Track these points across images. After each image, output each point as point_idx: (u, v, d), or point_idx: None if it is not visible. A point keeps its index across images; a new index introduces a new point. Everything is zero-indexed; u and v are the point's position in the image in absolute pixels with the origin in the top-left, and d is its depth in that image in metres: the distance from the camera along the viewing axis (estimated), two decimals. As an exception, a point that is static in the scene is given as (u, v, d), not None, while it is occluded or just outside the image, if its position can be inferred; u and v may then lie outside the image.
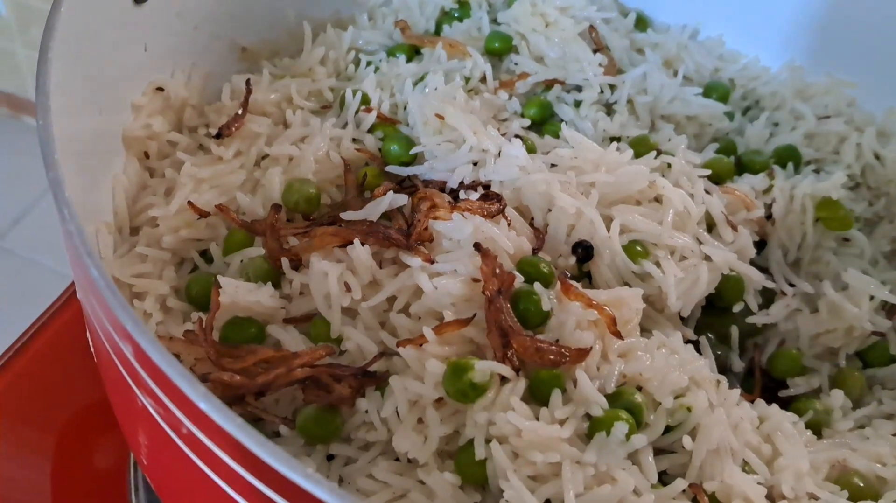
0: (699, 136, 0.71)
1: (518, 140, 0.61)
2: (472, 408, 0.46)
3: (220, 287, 0.51)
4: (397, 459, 0.48)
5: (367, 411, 0.48)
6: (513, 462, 0.44)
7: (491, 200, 0.54)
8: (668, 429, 0.48)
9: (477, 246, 0.51)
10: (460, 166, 0.59)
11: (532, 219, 0.56)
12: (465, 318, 0.48)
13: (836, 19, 0.76)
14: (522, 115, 0.67)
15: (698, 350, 0.57)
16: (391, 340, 0.50)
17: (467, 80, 0.68)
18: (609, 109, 0.69)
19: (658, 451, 0.48)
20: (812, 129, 0.73)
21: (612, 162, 0.58)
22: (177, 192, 0.57)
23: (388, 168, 0.62)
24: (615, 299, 0.51)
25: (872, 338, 0.61)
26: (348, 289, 0.52)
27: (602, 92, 0.68)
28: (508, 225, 0.54)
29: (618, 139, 0.66)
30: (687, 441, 0.48)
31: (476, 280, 0.50)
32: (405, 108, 0.66)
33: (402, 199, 0.56)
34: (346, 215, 0.55)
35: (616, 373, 0.48)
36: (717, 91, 0.74)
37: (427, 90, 0.66)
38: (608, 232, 0.54)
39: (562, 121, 0.68)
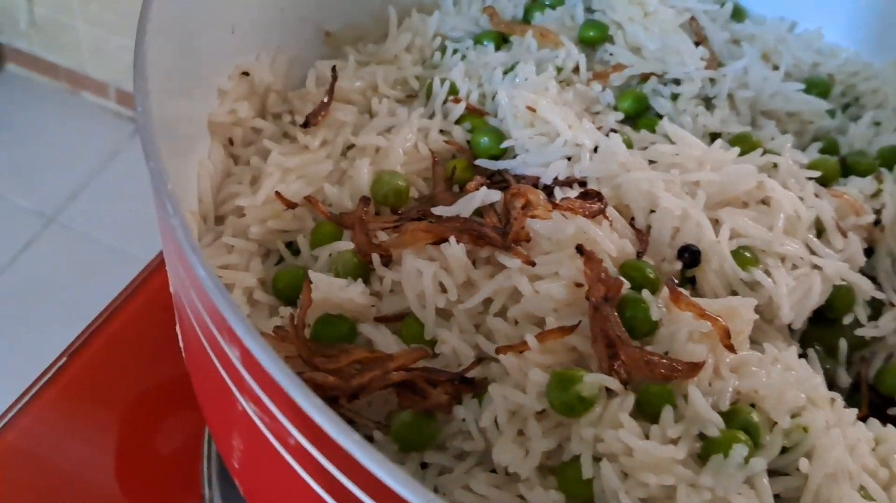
0: (800, 133, 0.67)
1: (616, 134, 0.58)
2: (578, 422, 0.43)
3: (312, 282, 0.49)
4: (493, 470, 0.45)
5: (463, 419, 0.45)
6: (623, 482, 0.42)
7: (592, 199, 0.51)
8: (782, 450, 0.46)
9: (579, 248, 0.48)
10: (554, 161, 0.57)
11: (633, 219, 0.53)
12: (569, 326, 0.46)
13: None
14: (616, 109, 0.64)
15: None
16: (487, 344, 0.48)
17: (559, 70, 0.65)
18: (708, 104, 0.66)
19: (772, 473, 0.45)
20: (920, 128, 0.69)
21: (717, 160, 0.55)
22: (263, 181, 0.55)
23: (478, 161, 0.60)
24: (727, 309, 0.48)
25: None
26: (443, 289, 0.49)
27: (702, 86, 0.65)
28: (610, 226, 0.51)
29: (717, 136, 0.63)
30: (803, 463, 0.45)
31: (579, 285, 0.48)
32: (493, 98, 0.64)
33: (496, 195, 0.53)
34: (438, 210, 0.53)
35: (730, 389, 0.45)
36: (816, 87, 0.71)
37: (517, 80, 0.63)
38: (716, 236, 0.51)
39: (657, 115, 0.64)
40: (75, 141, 1.95)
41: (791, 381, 0.47)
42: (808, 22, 0.78)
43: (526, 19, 0.71)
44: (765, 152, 0.60)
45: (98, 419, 0.70)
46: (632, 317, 0.47)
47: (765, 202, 0.55)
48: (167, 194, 0.37)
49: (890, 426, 0.51)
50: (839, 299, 0.56)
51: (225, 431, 0.44)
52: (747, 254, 0.52)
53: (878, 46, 0.76)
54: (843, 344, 0.57)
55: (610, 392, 0.45)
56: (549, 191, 0.56)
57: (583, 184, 0.56)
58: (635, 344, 0.46)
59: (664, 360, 0.45)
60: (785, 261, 0.53)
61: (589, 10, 0.70)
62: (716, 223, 0.53)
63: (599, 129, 0.60)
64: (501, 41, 0.69)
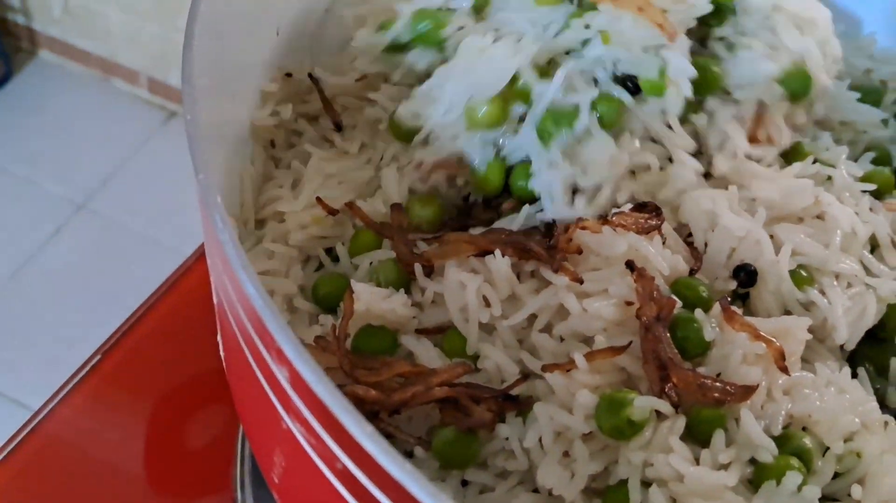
0: (853, 143, 0.65)
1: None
2: (626, 445, 0.42)
3: (354, 292, 0.48)
4: (535, 490, 0.45)
5: (507, 438, 0.45)
6: (673, 509, 0.41)
7: (648, 213, 0.50)
8: (835, 476, 0.45)
9: (630, 264, 0.47)
10: None
11: (689, 235, 0.52)
12: (619, 346, 0.45)
13: None
14: None
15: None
16: (532, 361, 0.47)
17: None
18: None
19: (823, 499, 0.44)
20: (974, 138, 0.66)
21: (772, 174, 0.54)
22: (304, 186, 0.55)
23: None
24: (781, 329, 0.46)
25: None
26: (487, 303, 0.48)
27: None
28: (664, 242, 0.50)
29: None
30: (856, 490, 0.44)
31: (629, 303, 0.47)
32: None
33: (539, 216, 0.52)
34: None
35: (783, 412, 0.44)
36: (869, 95, 0.69)
37: None
38: (776, 255, 0.50)
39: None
40: (106, 128, 1.96)
41: (845, 405, 0.45)
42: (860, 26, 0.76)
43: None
44: (815, 161, 0.58)
45: (133, 411, 0.71)
46: (684, 337, 0.45)
47: (819, 217, 0.54)
48: (217, 208, 0.37)
49: (944, 452, 0.49)
50: (892, 318, 0.55)
51: (266, 446, 0.44)
52: (803, 273, 0.50)
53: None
54: (894, 363, 0.55)
55: (660, 415, 0.44)
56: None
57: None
58: (687, 366, 0.45)
59: (717, 384, 0.44)
60: (840, 279, 0.51)
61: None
62: (771, 239, 0.51)
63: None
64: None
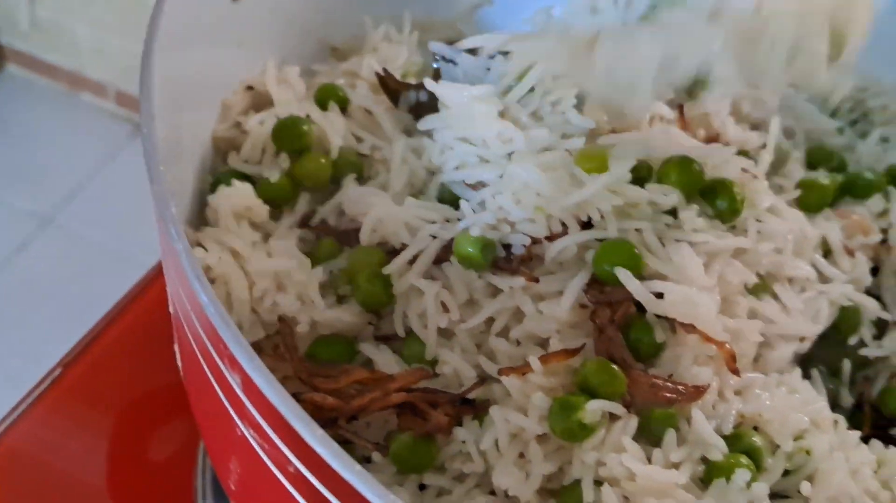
0: (808, 151, 0.67)
1: None
2: (580, 446, 0.43)
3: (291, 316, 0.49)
4: (492, 492, 0.45)
5: (464, 441, 0.45)
6: (625, 508, 0.41)
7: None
8: (785, 473, 0.46)
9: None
10: None
11: None
12: (573, 349, 0.46)
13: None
14: None
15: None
16: (489, 365, 0.47)
17: None
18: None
19: (773, 496, 0.45)
20: (927, 146, 0.68)
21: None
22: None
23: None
24: (733, 332, 0.47)
25: None
26: (445, 309, 0.49)
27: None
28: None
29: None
30: (805, 487, 0.45)
31: (584, 306, 0.47)
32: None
33: None
34: None
35: (733, 412, 0.45)
36: (824, 103, 0.70)
37: None
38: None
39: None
40: (74, 142, 1.95)
41: (795, 404, 0.47)
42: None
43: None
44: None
45: (95, 424, 0.71)
46: (637, 339, 0.46)
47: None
48: (171, 219, 0.37)
49: (892, 448, 0.50)
50: (845, 320, 0.56)
51: (223, 453, 0.44)
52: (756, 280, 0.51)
53: (887, 63, 0.76)
54: (846, 365, 0.57)
55: (613, 415, 0.44)
56: None
57: None
58: (639, 366, 0.45)
59: (668, 384, 0.45)
60: (793, 282, 0.53)
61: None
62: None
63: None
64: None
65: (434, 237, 0.51)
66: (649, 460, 0.43)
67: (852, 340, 0.57)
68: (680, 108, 0.59)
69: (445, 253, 0.50)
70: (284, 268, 0.50)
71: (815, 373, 0.54)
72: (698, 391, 0.45)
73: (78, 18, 1.84)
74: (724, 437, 0.44)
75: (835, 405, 0.56)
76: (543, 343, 0.47)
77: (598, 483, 0.42)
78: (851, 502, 0.45)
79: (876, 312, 0.57)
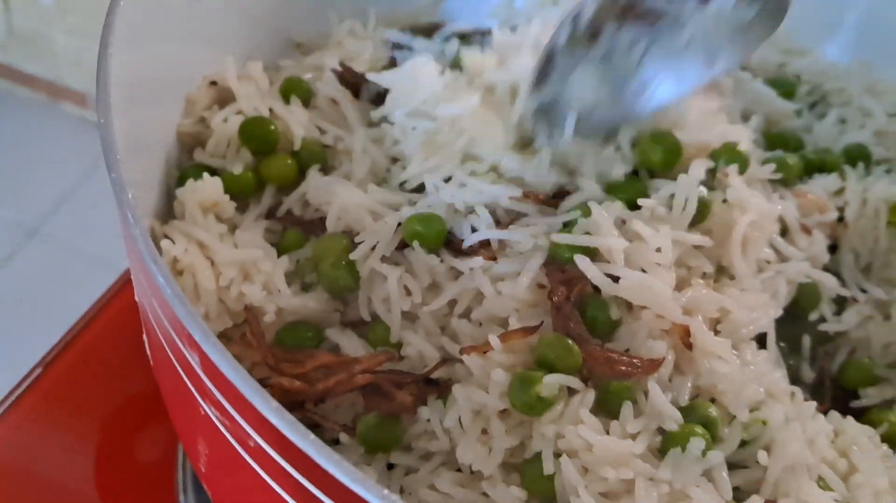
0: (766, 133, 0.68)
1: None
2: (539, 420, 0.44)
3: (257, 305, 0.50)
4: (459, 470, 0.46)
5: (428, 420, 0.46)
6: (583, 477, 0.42)
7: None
8: (742, 444, 0.47)
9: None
10: None
11: None
12: (531, 327, 0.47)
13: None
14: None
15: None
16: (452, 346, 0.48)
17: None
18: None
19: (731, 466, 0.46)
20: (882, 126, 0.70)
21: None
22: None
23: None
24: (689, 306, 0.48)
25: (949, 347, 0.59)
26: (408, 292, 0.50)
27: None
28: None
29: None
30: (762, 456, 0.46)
31: (542, 286, 0.49)
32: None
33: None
34: None
35: (689, 385, 0.46)
36: (782, 87, 0.72)
37: None
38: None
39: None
40: (56, 152, 1.95)
41: (750, 376, 0.48)
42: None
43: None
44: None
45: (76, 428, 0.71)
46: (593, 317, 0.47)
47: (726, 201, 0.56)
48: (128, 204, 0.38)
49: (849, 418, 0.52)
50: (805, 297, 0.57)
51: (191, 436, 0.45)
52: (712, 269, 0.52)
53: (849, 46, 0.77)
54: (806, 340, 0.58)
55: (572, 390, 0.45)
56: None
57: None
58: (596, 342, 0.47)
59: (624, 357, 0.46)
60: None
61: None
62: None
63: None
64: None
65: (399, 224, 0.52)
66: (607, 432, 0.44)
67: (812, 316, 0.58)
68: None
69: (408, 238, 0.51)
70: (250, 257, 0.51)
71: (772, 346, 0.55)
72: (653, 364, 0.46)
73: (56, 27, 1.84)
74: (680, 409, 0.45)
75: (796, 380, 0.58)
76: (504, 323, 0.48)
77: (557, 455, 0.43)
78: (808, 470, 0.47)
79: (835, 289, 0.59)
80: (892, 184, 0.63)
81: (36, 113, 1.98)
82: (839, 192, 0.63)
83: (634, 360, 0.46)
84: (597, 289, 0.48)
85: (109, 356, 0.73)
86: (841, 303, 0.60)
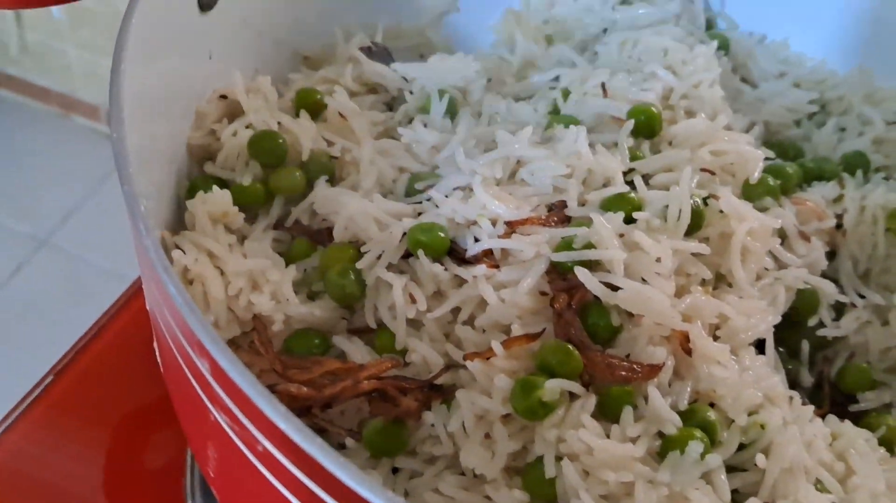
0: (766, 141, 0.69)
1: None
2: (541, 424, 0.45)
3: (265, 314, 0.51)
4: (463, 473, 0.47)
5: (433, 425, 0.47)
6: (584, 480, 0.43)
7: (557, 212, 0.53)
8: (740, 447, 0.48)
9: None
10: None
11: None
12: (533, 333, 0.48)
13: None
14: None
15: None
16: (456, 353, 0.49)
17: None
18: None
19: (730, 469, 0.47)
20: (881, 134, 0.71)
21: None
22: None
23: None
24: (688, 312, 0.49)
25: (946, 352, 0.59)
26: (413, 300, 0.51)
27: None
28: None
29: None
30: (760, 459, 0.47)
31: (544, 293, 0.50)
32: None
33: None
34: None
35: (688, 389, 0.47)
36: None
37: None
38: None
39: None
40: (67, 164, 1.97)
41: (748, 381, 0.49)
42: (776, 33, 0.80)
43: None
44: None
45: (86, 437, 0.72)
46: (594, 323, 0.48)
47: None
48: (140, 216, 0.39)
49: (847, 421, 0.52)
50: (803, 303, 0.58)
51: (200, 441, 0.46)
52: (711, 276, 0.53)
53: (843, 55, 0.78)
54: (805, 345, 0.59)
55: (573, 395, 0.46)
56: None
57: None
58: (597, 348, 0.48)
59: (624, 363, 0.47)
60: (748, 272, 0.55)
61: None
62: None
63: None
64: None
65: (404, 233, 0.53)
66: (608, 436, 0.45)
67: (811, 322, 0.59)
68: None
69: (413, 247, 0.53)
70: (259, 267, 0.52)
71: (770, 351, 0.56)
72: (653, 369, 0.47)
73: (68, 41, 1.87)
74: (680, 413, 0.46)
75: (795, 385, 0.59)
76: (507, 330, 0.49)
77: (559, 459, 0.44)
78: (806, 473, 0.47)
79: (833, 295, 0.60)
80: (890, 191, 0.64)
81: (48, 125, 2.01)
82: (838, 199, 0.64)
83: (635, 366, 0.47)
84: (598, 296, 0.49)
85: (119, 365, 0.75)
86: (839, 309, 0.61)
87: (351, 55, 0.68)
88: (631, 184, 0.57)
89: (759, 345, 0.55)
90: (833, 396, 0.59)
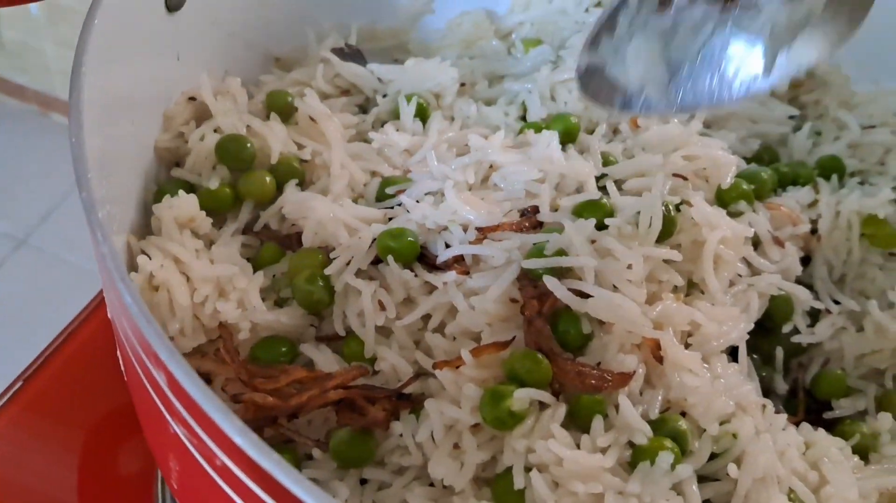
0: (745, 140, 0.69)
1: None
2: (510, 434, 0.45)
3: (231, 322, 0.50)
4: (432, 484, 0.46)
5: (401, 435, 0.47)
6: (553, 492, 0.43)
7: (529, 217, 0.52)
8: (712, 457, 0.47)
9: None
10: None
11: None
12: (503, 342, 0.47)
13: (886, 25, 0.74)
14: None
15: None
16: (426, 360, 0.49)
17: None
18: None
19: (702, 479, 0.46)
20: (856, 139, 0.70)
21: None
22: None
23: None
24: (660, 320, 0.49)
25: (921, 358, 0.59)
26: (382, 307, 0.50)
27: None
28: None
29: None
30: (732, 469, 0.46)
31: (514, 300, 0.49)
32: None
33: None
34: None
35: (659, 398, 0.47)
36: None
37: None
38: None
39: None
40: (46, 162, 1.94)
41: (720, 389, 0.48)
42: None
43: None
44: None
45: (60, 438, 0.71)
46: (564, 331, 0.48)
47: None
48: (98, 223, 0.38)
49: (821, 430, 0.52)
50: (777, 309, 0.58)
51: (162, 452, 0.45)
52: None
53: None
54: (779, 352, 0.58)
55: (543, 404, 0.46)
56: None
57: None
58: (567, 356, 0.47)
59: (594, 371, 0.46)
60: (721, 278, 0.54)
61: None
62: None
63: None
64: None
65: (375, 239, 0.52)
66: (578, 446, 0.44)
67: (786, 328, 0.59)
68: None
69: (383, 253, 0.52)
70: (226, 274, 0.51)
71: (743, 359, 0.55)
72: (624, 378, 0.46)
73: (45, 39, 1.84)
74: (651, 422, 0.46)
75: (769, 392, 0.58)
76: (477, 337, 0.49)
77: (528, 469, 0.44)
78: (779, 482, 0.47)
79: (808, 301, 0.59)
80: (864, 196, 0.64)
81: (26, 123, 1.98)
82: (812, 204, 0.64)
83: (605, 374, 0.46)
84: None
85: (91, 369, 0.73)
86: (814, 316, 0.61)
87: (323, 57, 0.67)
88: (603, 189, 0.56)
89: (733, 353, 0.54)
90: (808, 403, 0.58)
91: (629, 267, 0.49)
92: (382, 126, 0.62)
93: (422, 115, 0.63)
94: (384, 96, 0.65)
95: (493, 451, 0.45)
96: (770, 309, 0.57)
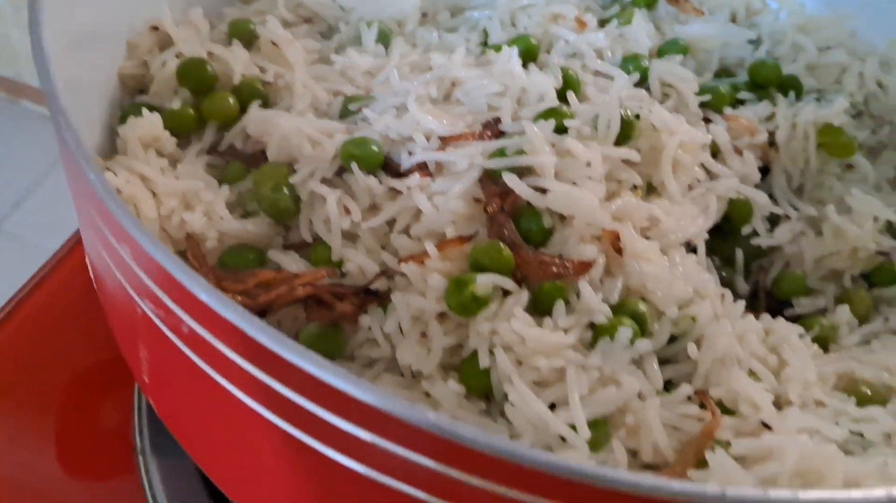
0: (703, 62, 0.70)
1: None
2: (475, 319, 0.46)
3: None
4: (402, 374, 0.47)
5: (370, 328, 0.47)
6: (517, 369, 0.44)
7: (491, 126, 0.53)
8: (672, 340, 0.48)
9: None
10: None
11: None
12: (467, 235, 0.48)
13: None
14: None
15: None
16: (393, 261, 0.50)
17: None
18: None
19: (663, 362, 0.48)
20: (813, 60, 0.72)
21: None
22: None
23: None
24: (619, 214, 0.50)
25: (877, 258, 0.61)
26: (347, 212, 0.51)
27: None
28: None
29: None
30: (692, 350, 0.47)
31: (478, 200, 0.50)
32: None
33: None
34: None
35: (619, 285, 0.48)
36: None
37: None
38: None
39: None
40: (17, 149, 1.94)
41: (678, 276, 0.49)
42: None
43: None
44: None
45: (31, 399, 0.71)
46: (527, 227, 0.49)
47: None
48: (59, 110, 0.39)
49: (780, 318, 0.53)
50: (736, 212, 0.59)
51: (132, 346, 0.46)
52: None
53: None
54: (739, 253, 0.60)
55: (506, 292, 0.47)
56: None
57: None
58: (529, 247, 0.48)
59: (556, 260, 0.47)
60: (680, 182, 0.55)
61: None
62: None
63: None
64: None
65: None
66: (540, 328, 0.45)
67: (745, 231, 0.60)
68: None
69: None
70: (191, 188, 0.52)
71: (702, 256, 0.56)
72: (584, 266, 0.47)
73: (12, 24, 1.83)
74: (611, 307, 0.47)
75: (734, 293, 0.60)
76: (443, 237, 0.50)
77: (493, 352, 0.45)
78: (738, 363, 0.48)
79: (767, 207, 0.60)
80: (820, 108, 0.65)
81: (-5, 110, 1.98)
82: (770, 117, 0.65)
83: (566, 263, 0.47)
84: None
85: (59, 325, 0.74)
86: (774, 222, 0.62)
87: None
88: (564, 100, 0.57)
89: (693, 253, 0.56)
90: (769, 303, 0.60)
91: (588, 164, 0.51)
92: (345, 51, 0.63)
93: (384, 40, 0.64)
94: (346, 24, 0.66)
95: (459, 338, 0.46)
96: (729, 212, 0.59)
